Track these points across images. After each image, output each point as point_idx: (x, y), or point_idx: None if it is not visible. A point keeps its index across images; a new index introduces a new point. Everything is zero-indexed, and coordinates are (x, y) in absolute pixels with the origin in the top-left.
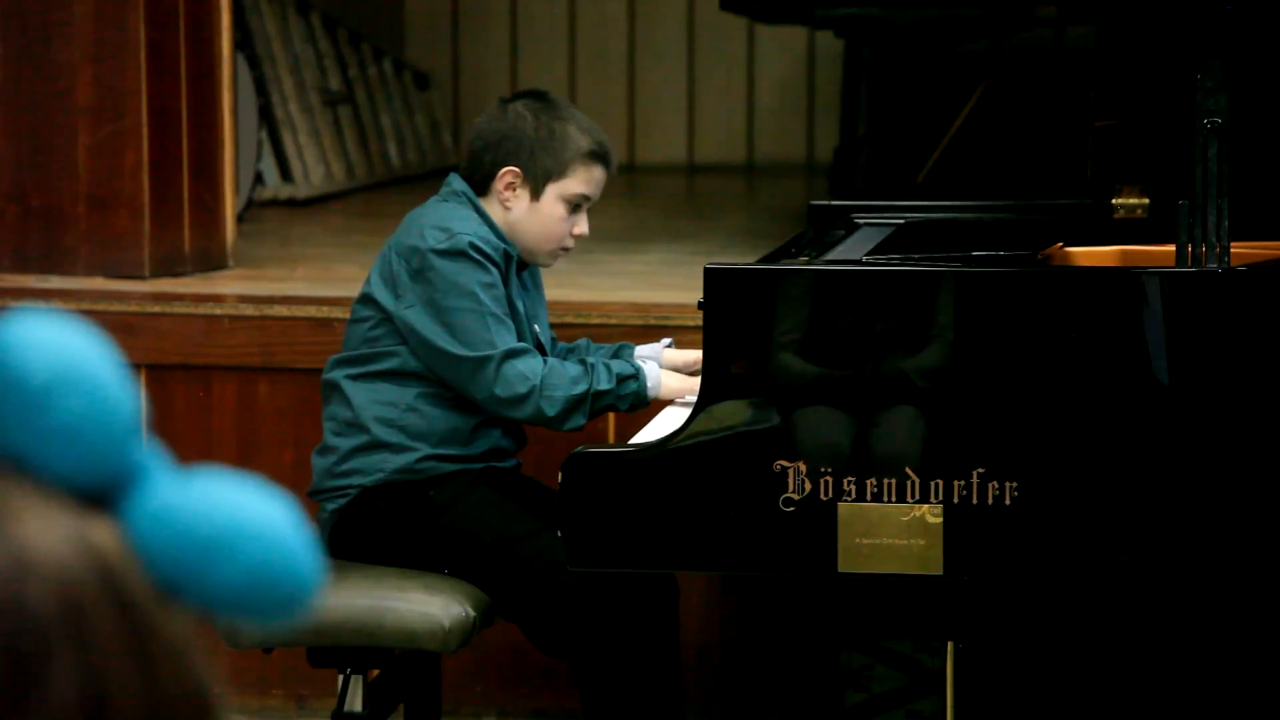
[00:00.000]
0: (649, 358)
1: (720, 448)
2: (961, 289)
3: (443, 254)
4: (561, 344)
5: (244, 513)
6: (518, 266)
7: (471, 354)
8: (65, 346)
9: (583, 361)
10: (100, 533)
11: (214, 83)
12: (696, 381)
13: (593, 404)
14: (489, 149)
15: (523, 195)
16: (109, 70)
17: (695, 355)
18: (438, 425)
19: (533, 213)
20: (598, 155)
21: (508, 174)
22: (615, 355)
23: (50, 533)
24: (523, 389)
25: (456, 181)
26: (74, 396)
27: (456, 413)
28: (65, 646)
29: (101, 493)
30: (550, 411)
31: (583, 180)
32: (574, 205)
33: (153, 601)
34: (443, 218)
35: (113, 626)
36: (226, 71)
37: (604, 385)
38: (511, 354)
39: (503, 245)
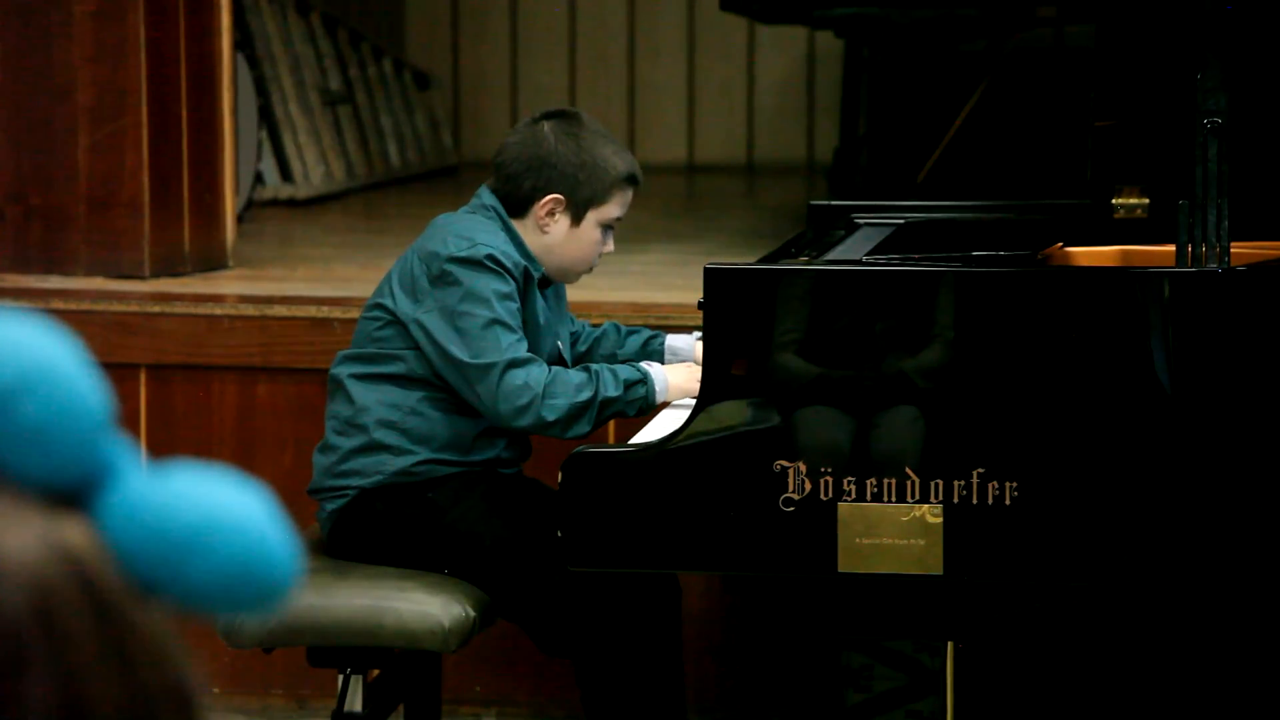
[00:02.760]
0: (680, 349)
1: (720, 448)
2: (961, 289)
3: (461, 261)
4: (588, 327)
5: (218, 507)
6: (542, 283)
7: (475, 361)
8: (29, 347)
9: (587, 368)
10: (73, 533)
11: (214, 83)
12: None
13: (599, 411)
14: (529, 174)
15: (563, 221)
16: (109, 70)
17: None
18: (440, 430)
19: (572, 237)
20: (633, 179)
21: (550, 201)
22: (645, 345)
23: (22, 535)
24: (524, 400)
25: (487, 195)
26: (40, 397)
27: (459, 419)
28: (41, 649)
29: (73, 492)
30: (551, 418)
31: (619, 204)
32: (607, 227)
33: (128, 599)
34: (467, 228)
35: (88, 626)
36: (226, 71)
37: (611, 393)
38: (515, 363)
39: (524, 263)
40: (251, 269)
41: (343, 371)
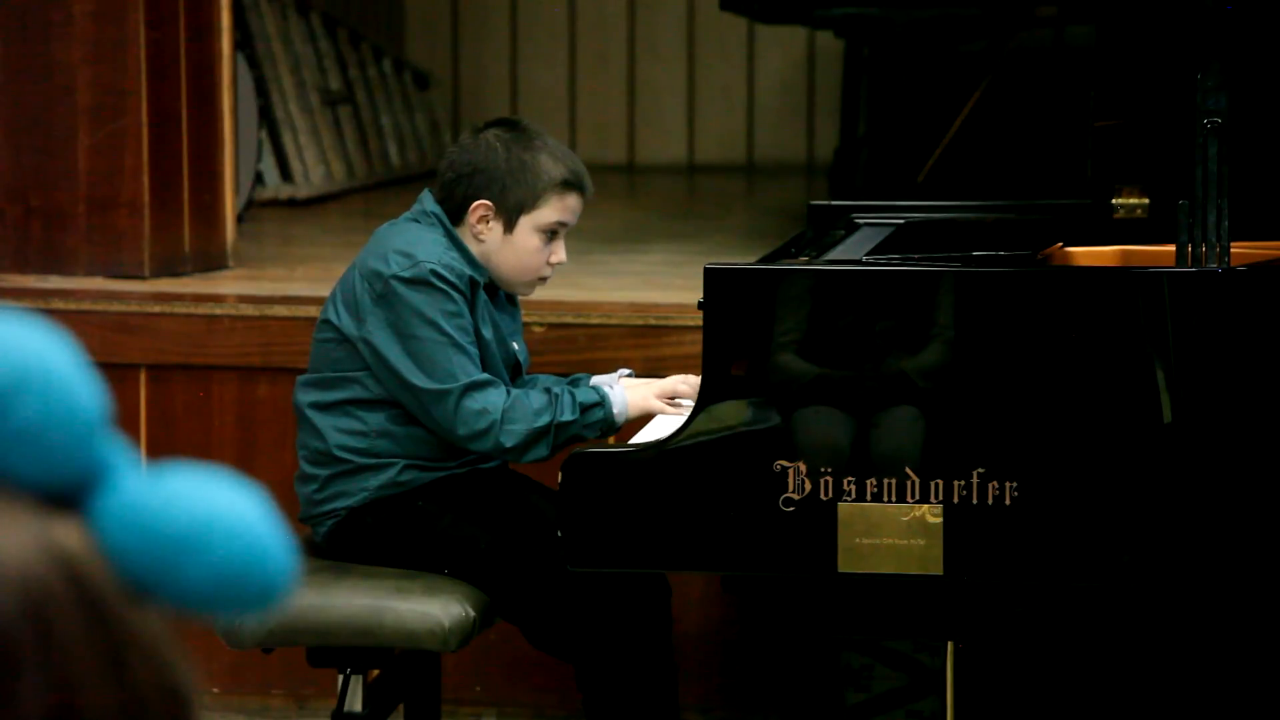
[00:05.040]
0: (600, 386)
1: (720, 448)
2: (961, 289)
3: (405, 281)
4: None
5: (212, 507)
6: (493, 288)
7: (431, 386)
8: (22, 347)
9: (548, 391)
10: (66, 534)
11: (214, 83)
12: (661, 389)
13: (557, 435)
14: (460, 181)
15: (495, 228)
16: (109, 70)
17: (656, 384)
18: (411, 444)
19: (506, 245)
20: (571, 184)
21: (480, 207)
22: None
23: (14, 536)
24: (482, 425)
25: (429, 201)
26: (33, 398)
27: (428, 433)
28: (33, 651)
29: (67, 493)
30: (509, 443)
31: (557, 209)
32: (550, 234)
33: (122, 601)
34: (408, 242)
35: (81, 629)
36: (226, 71)
37: (568, 416)
38: (473, 386)
39: (468, 272)
40: (251, 269)
41: (303, 400)
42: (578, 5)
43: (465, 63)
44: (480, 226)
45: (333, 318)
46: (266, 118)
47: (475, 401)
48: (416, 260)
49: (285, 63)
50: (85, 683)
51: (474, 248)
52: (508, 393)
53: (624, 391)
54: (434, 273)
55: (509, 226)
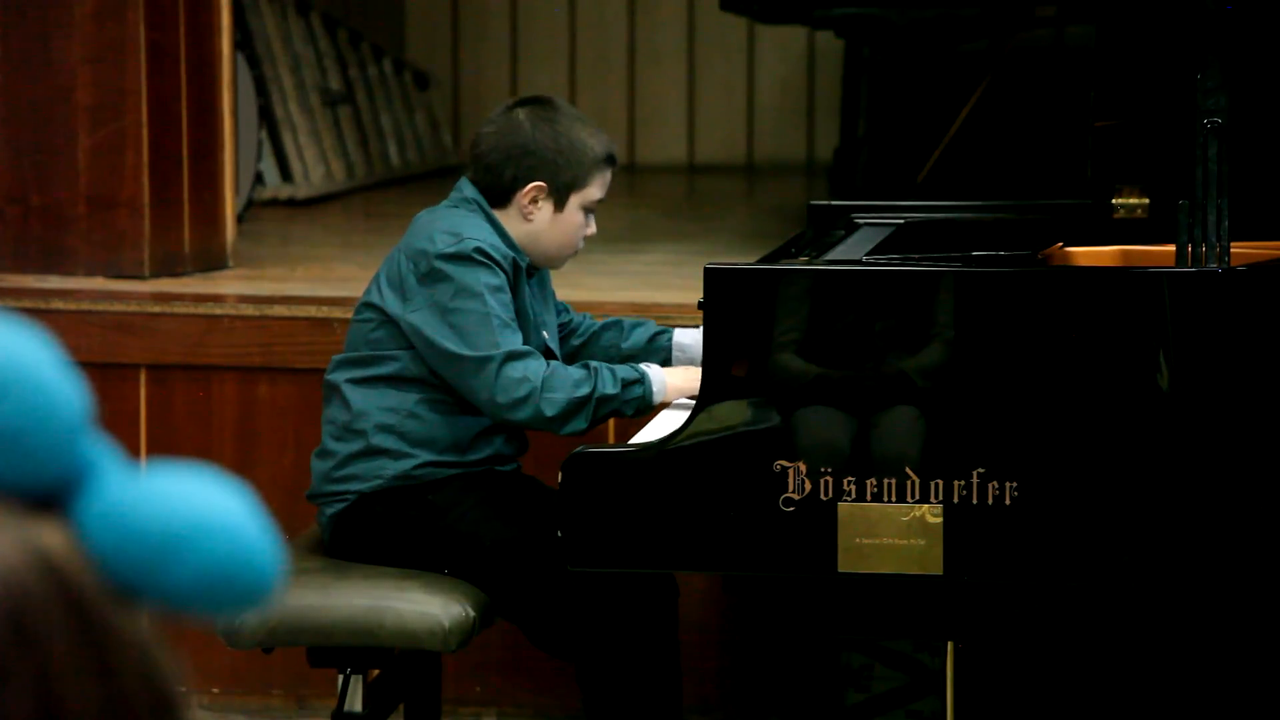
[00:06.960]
0: (687, 345)
1: (720, 448)
2: (961, 289)
3: (450, 258)
4: (589, 319)
5: (198, 507)
6: (527, 272)
7: (474, 354)
8: (3, 348)
9: (586, 365)
10: (50, 536)
11: (214, 83)
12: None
13: (597, 409)
14: (509, 163)
15: (546, 207)
16: (109, 70)
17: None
18: (438, 432)
19: (556, 223)
20: (611, 160)
21: (533, 189)
22: (651, 341)
23: None
24: (522, 392)
25: (468, 188)
26: (15, 399)
27: (457, 419)
28: (17, 654)
29: (50, 495)
30: (549, 412)
31: (600, 185)
32: (589, 210)
33: (108, 604)
34: (453, 224)
35: (66, 632)
36: (226, 71)
37: (609, 390)
38: (513, 355)
39: (511, 254)
40: (251, 269)
41: (339, 377)
42: (578, 6)
43: (465, 63)
44: (530, 207)
45: (375, 300)
46: (266, 118)
47: (515, 370)
48: (462, 237)
49: (285, 63)
50: (69, 687)
51: (518, 228)
52: (547, 364)
53: (665, 375)
54: (478, 249)
55: (560, 205)
